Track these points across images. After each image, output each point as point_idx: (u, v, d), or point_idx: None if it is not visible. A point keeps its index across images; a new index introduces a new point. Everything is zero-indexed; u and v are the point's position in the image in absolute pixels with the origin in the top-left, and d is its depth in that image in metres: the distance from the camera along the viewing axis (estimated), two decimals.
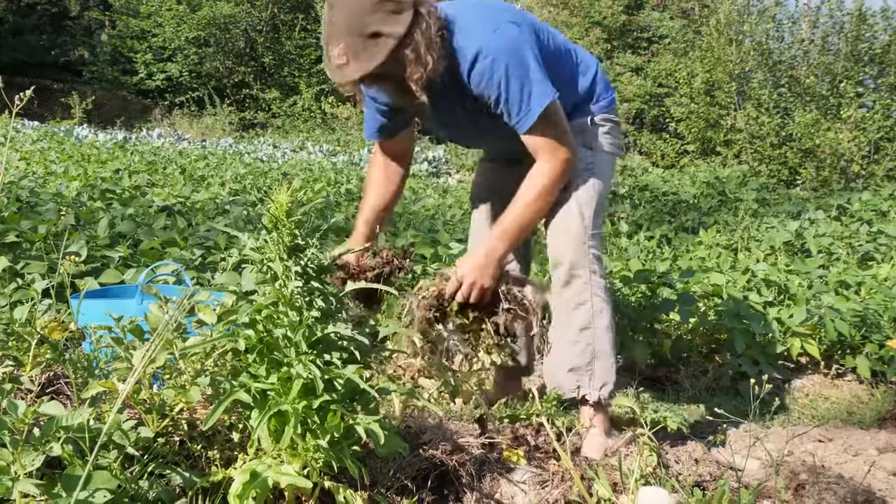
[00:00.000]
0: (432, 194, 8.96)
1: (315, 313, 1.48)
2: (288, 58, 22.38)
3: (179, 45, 21.06)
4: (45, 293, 2.83)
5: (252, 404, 1.48)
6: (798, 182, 12.79)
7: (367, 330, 1.58)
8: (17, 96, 1.83)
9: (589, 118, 2.52)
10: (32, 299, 2.62)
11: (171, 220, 4.52)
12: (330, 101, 21.68)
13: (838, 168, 12.23)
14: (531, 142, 2.29)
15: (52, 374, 1.91)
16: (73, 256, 2.76)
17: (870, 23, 15.02)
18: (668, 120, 17.53)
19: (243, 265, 3.21)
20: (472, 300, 2.25)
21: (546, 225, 2.51)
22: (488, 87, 2.21)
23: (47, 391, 1.86)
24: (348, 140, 17.16)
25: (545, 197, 2.33)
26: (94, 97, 18.08)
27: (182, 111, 20.87)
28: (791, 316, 3.66)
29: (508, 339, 2.31)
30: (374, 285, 1.82)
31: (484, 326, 2.28)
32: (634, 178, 10.62)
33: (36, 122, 14.94)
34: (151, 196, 5.99)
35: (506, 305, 2.28)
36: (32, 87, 1.97)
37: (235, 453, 1.66)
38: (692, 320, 3.58)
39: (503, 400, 2.50)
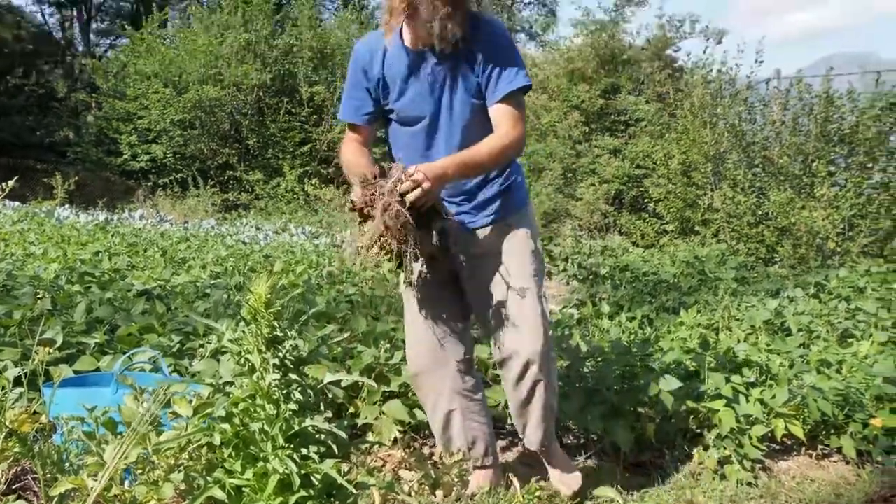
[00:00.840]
0: None
1: (293, 406, 1.46)
2: (272, 140, 22.64)
3: (165, 126, 21.26)
4: (17, 381, 2.77)
5: (227, 501, 1.44)
6: (776, 260, 12.90)
7: (346, 423, 1.55)
8: (0, 185, 1.83)
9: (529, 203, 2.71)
10: (3, 388, 2.56)
11: (150, 304, 4.47)
12: (313, 182, 21.86)
13: (814, 245, 12.35)
14: (503, 110, 2.56)
15: (19, 468, 1.85)
16: (47, 346, 2.72)
17: (837, 104, 15.43)
18: (646, 200, 17.74)
19: (222, 352, 3.18)
20: (419, 202, 2.35)
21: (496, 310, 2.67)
22: (494, 47, 2.54)
23: (14, 487, 1.81)
24: (331, 221, 17.23)
25: (500, 156, 2.56)
26: (77, 178, 18.11)
27: (165, 192, 20.95)
28: (774, 396, 3.64)
29: (440, 252, 2.44)
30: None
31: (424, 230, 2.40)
32: (615, 259, 10.69)
33: (17, 203, 14.92)
34: (131, 279, 5.95)
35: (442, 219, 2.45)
36: (16, 178, 1.97)
37: None
38: (675, 403, 3.55)
39: (486, 489, 2.48)
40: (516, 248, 2.73)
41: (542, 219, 19.24)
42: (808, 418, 3.58)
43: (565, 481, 2.93)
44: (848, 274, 7.79)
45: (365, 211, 2.40)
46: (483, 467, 2.82)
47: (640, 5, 22.32)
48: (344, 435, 1.49)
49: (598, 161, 19.42)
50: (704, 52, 17.71)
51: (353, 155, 2.76)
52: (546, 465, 2.99)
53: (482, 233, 2.77)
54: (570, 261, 10.30)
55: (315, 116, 23.58)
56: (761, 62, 15.92)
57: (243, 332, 1.48)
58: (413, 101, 2.70)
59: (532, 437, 2.84)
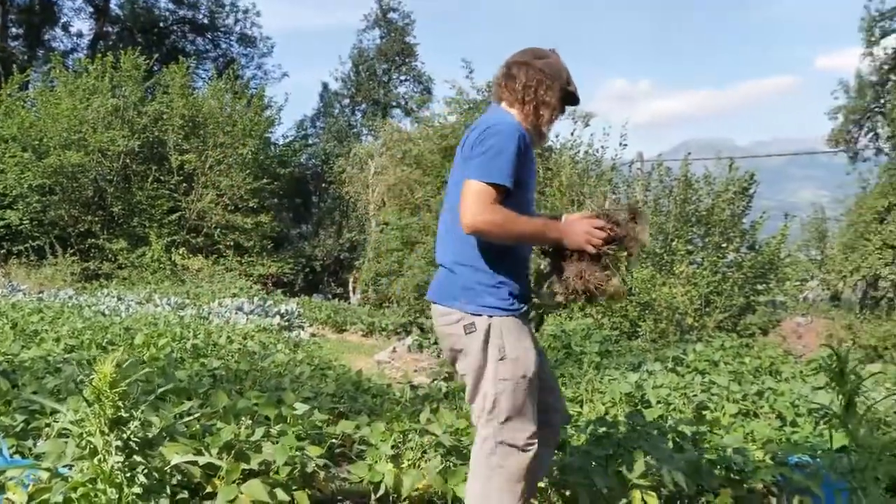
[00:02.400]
0: (283, 349, 8.80)
1: (136, 489, 1.40)
2: (139, 208, 21.96)
3: (21, 192, 20.25)
4: None
5: None
6: (639, 334, 13.39)
7: None
8: None
9: None
10: None
11: None
12: (181, 252, 21.25)
13: (674, 320, 12.93)
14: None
15: None
16: None
17: (695, 187, 16.40)
18: None
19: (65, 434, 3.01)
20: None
21: None
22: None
23: None
24: (198, 292, 16.73)
25: None
26: None
27: (19, 260, 19.83)
28: (631, 469, 3.75)
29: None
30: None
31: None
32: None
33: None
34: None
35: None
36: None
37: None
38: None
39: None
40: None
41: (414, 291, 19.35)
42: (663, 490, 3.69)
43: None
44: (704, 348, 8.17)
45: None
46: None
47: None
48: None
49: None
50: (572, 133, 18.56)
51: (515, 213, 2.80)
52: None
53: None
54: None
55: (185, 185, 23.09)
56: (625, 145, 16.77)
57: (85, 413, 1.41)
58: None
59: None
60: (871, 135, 30.30)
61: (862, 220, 27.07)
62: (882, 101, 29.15)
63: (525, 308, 2.90)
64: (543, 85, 2.91)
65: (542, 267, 3.09)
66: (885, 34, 28.94)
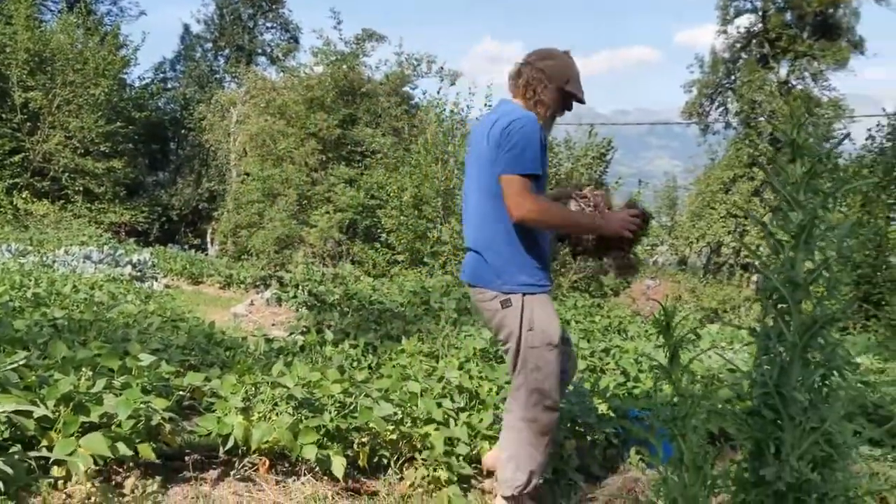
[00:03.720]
0: (133, 300, 8.48)
1: None
2: None
3: None
4: None
5: None
6: None
7: (18, 457, 1.43)
8: None
9: None
10: None
11: None
12: (23, 196, 20.05)
13: None
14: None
15: None
16: None
17: (555, 151, 16.83)
18: (379, 231, 18.18)
19: None
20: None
21: None
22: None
23: None
24: (43, 239, 15.84)
25: None
26: None
27: None
28: (481, 420, 3.86)
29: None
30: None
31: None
32: (345, 287, 10.79)
33: None
34: None
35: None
36: None
37: None
38: (389, 428, 3.64)
39: None
40: None
41: (275, 244, 19.05)
42: None
43: None
44: (557, 307, 8.45)
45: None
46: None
47: (380, 41, 22.95)
48: (10, 471, 1.37)
49: (334, 189, 19.60)
50: (439, 91, 18.58)
51: (554, 203, 3.26)
52: None
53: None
54: (300, 287, 10.27)
55: (29, 124, 21.69)
56: (490, 106, 16.96)
57: None
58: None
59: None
60: (721, 109, 31.93)
61: (709, 189, 28.66)
62: (733, 77, 30.73)
63: (550, 286, 3.32)
64: (542, 84, 3.23)
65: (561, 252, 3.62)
66: (738, 13, 30.45)
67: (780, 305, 1.65)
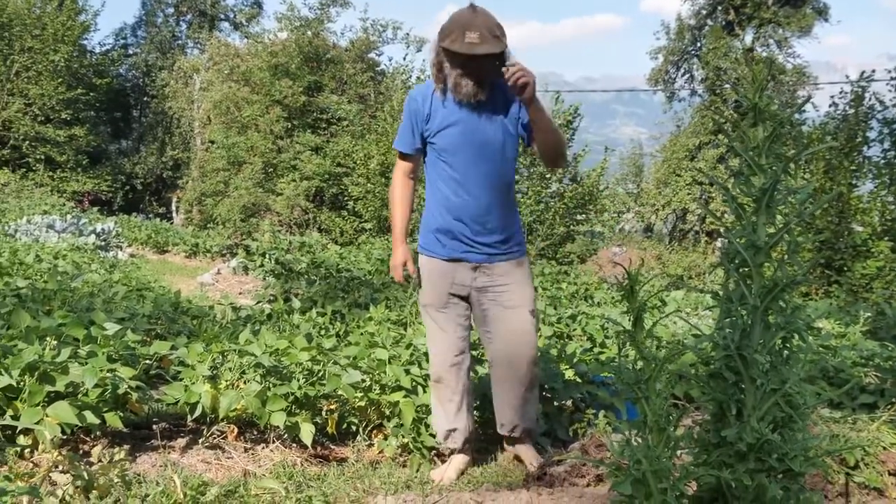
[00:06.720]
0: (98, 269, 8.38)
1: None
2: None
3: None
4: None
5: None
6: None
7: None
8: None
9: None
10: None
11: None
12: None
13: None
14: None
15: None
16: None
17: None
18: (346, 199, 18.08)
19: None
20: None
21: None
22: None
23: None
24: (4, 209, 15.56)
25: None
26: None
27: None
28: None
29: None
30: None
31: None
32: (312, 255, 10.76)
33: None
34: None
35: None
36: None
37: None
38: (357, 395, 3.66)
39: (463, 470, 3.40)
40: (528, 280, 3.41)
41: (241, 213, 18.87)
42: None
43: (530, 459, 3.44)
44: None
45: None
46: (465, 452, 3.44)
47: (345, 6, 22.65)
48: None
49: (300, 157, 19.43)
50: (405, 58, 18.43)
51: (397, 201, 3.53)
52: (513, 446, 3.53)
53: (504, 266, 3.33)
54: (267, 256, 10.21)
55: None
56: None
57: None
58: (451, 143, 3.38)
59: (521, 420, 3.41)
60: (687, 76, 32.02)
61: (675, 157, 28.81)
62: (699, 44, 30.79)
63: (438, 254, 3.48)
64: (434, 48, 3.22)
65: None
66: None
67: (742, 269, 1.68)
